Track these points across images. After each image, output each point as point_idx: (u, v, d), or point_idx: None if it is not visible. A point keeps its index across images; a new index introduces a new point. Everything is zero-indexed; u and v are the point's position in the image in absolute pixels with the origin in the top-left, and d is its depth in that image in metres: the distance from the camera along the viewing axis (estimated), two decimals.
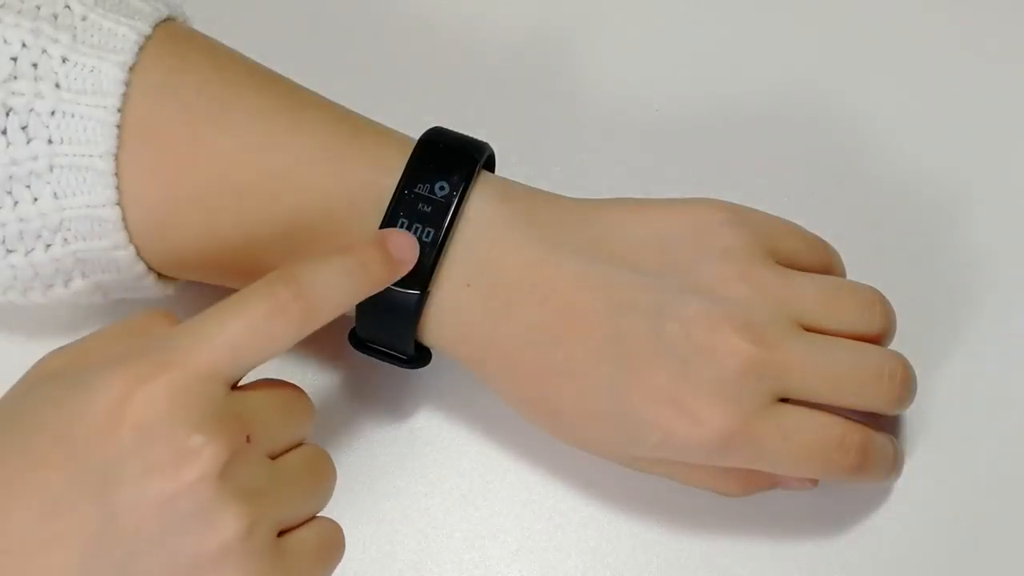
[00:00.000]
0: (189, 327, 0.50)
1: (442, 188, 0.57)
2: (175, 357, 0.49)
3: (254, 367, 0.51)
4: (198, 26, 0.60)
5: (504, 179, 0.59)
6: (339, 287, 0.52)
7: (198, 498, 0.48)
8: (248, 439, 0.50)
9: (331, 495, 0.53)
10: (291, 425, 0.52)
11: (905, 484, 0.61)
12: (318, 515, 0.52)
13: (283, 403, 0.52)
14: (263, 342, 0.50)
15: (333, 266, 0.52)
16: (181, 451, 0.48)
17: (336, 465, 0.53)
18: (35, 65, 0.55)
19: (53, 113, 0.55)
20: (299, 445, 0.53)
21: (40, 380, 0.51)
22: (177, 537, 0.48)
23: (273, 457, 0.51)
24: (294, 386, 0.53)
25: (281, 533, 0.51)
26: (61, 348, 0.52)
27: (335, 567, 0.53)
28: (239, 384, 0.51)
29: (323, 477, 0.53)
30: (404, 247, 0.55)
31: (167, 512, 0.48)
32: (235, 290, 0.54)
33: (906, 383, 0.57)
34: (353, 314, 0.58)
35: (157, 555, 0.48)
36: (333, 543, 0.52)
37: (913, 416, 0.62)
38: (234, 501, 0.48)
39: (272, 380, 0.53)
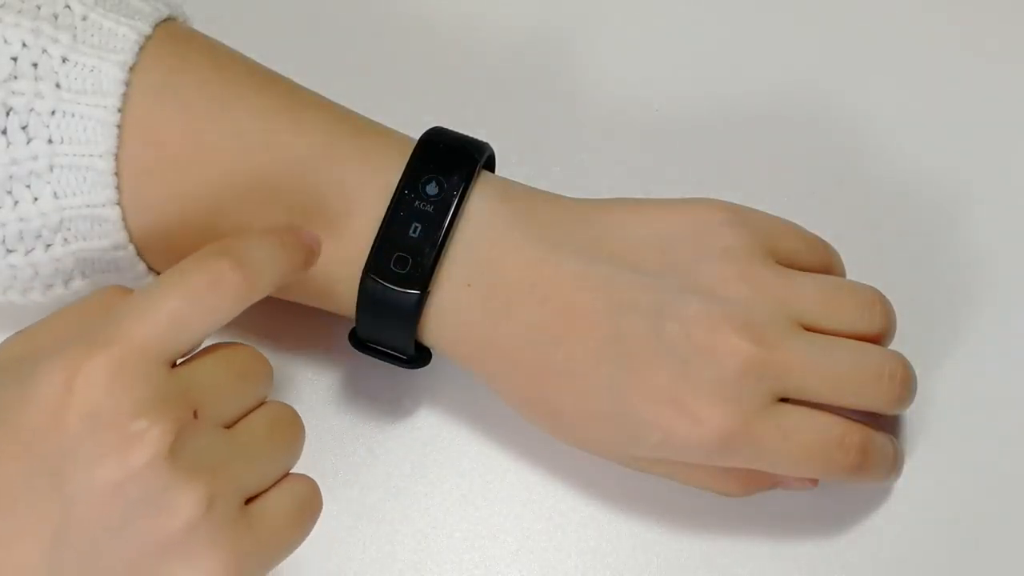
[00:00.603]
0: (125, 305, 0.50)
1: (442, 188, 0.57)
2: (114, 335, 0.48)
3: (197, 341, 0.50)
4: (198, 26, 0.60)
5: (504, 179, 0.59)
6: (274, 259, 0.51)
7: (149, 482, 0.48)
8: (196, 414, 0.49)
9: (300, 451, 0.52)
10: (244, 388, 0.51)
11: (905, 484, 0.61)
12: (291, 474, 0.52)
13: (232, 367, 0.51)
14: (203, 314, 0.50)
15: (266, 239, 0.52)
16: (126, 437, 0.47)
17: (336, 465, 0.53)
18: (35, 65, 0.55)
19: (53, 113, 0.55)
20: (260, 406, 0.52)
21: None
22: (136, 523, 0.48)
23: (229, 425, 0.51)
24: (244, 346, 0.52)
25: (252, 500, 0.50)
26: (17, 333, 0.51)
27: (312, 525, 0.52)
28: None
29: (288, 434, 0.52)
30: (312, 236, 0.54)
31: (121, 499, 0.48)
32: None
33: (906, 383, 0.57)
34: (353, 314, 0.58)
35: (121, 542, 0.48)
36: (307, 502, 0.52)
37: (913, 416, 0.62)
38: (188, 479, 0.48)
39: (220, 344, 0.52)
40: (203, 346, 0.51)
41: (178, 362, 0.51)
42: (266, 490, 0.51)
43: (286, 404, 0.53)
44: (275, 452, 0.51)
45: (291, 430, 0.52)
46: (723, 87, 0.68)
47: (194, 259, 0.50)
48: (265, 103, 0.57)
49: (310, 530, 0.52)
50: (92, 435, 0.48)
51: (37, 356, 0.49)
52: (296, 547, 0.52)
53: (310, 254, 0.54)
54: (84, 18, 0.56)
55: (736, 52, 0.69)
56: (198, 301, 0.50)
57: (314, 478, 0.52)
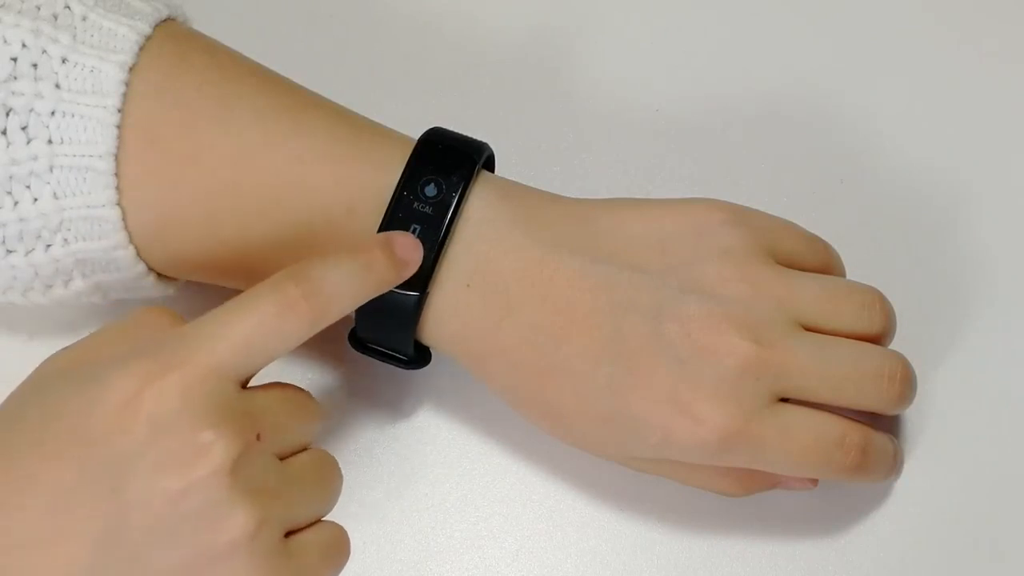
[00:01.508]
0: (200, 325, 0.50)
1: (442, 188, 0.57)
2: (187, 354, 0.49)
3: (264, 365, 0.51)
4: (198, 26, 0.60)
5: (504, 179, 0.59)
6: (347, 287, 0.52)
7: (209, 494, 0.48)
8: (259, 437, 0.50)
9: (337, 499, 0.53)
10: (300, 426, 0.52)
11: (905, 484, 0.61)
12: (324, 519, 0.52)
13: (292, 404, 0.52)
14: (273, 340, 0.50)
15: (341, 266, 0.52)
16: (193, 447, 0.48)
17: None
18: (35, 65, 0.55)
19: (53, 113, 0.55)
20: (306, 448, 0.53)
21: (49, 378, 0.51)
22: (187, 532, 0.48)
23: (282, 458, 0.51)
24: (302, 389, 0.53)
25: (288, 535, 0.51)
26: (66, 348, 0.52)
27: (340, 571, 0.53)
28: (249, 383, 0.51)
29: (330, 481, 0.53)
30: (409, 248, 0.54)
31: (178, 507, 0.48)
32: (235, 290, 0.54)
33: (906, 383, 0.57)
34: (353, 314, 0.58)
35: (166, 550, 0.48)
36: (338, 547, 0.52)
37: (913, 416, 0.62)
38: (244, 498, 0.49)
39: (280, 383, 0.53)
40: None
41: (244, 387, 0.51)
42: (303, 528, 0.51)
43: (329, 452, 0.53)
44: (318, 493, 0.52)
45: (333, 476, 0.53)
46: (723, 87, 0.68)
47: (269, 284, 0.51)
48: (265, 103, 0.57)
49: (338, 574, 0.53)
50: (158, 443, 0.48)
51: (97, 366, 0.50)
52: None
53: (402, 267, 0.54)
54: (84, 18, 0.56)
55: (736, 52, 0.69)
56: (270, 326, 0.50)
57: None
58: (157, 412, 0.48)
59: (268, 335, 0.50)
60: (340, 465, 0.53)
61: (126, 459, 0.48)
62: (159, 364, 0.49)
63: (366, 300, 0.53)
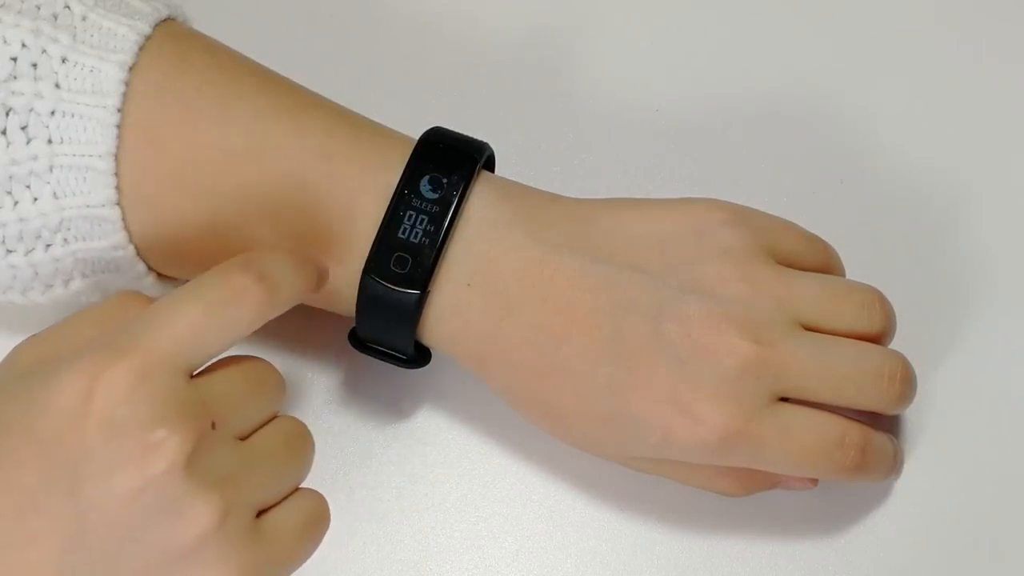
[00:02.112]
0: (147, 314, 0.50)
1: (442, 188, 0.57)
2: (134, 345, 0.48)
3: (216, 353, 0.50)
4: (198, 26, 0.60)
5: (504, 179, 0.59)
6: (294, 274, 0.52)
7: (166, 491, 0.48)
8: (213, 425, 0.49)
9: (310, 466, 0.52)
10: (259, 402, 0.52)
11: (905, 484, 0.61)
12: (300, 488, 0.52)
13: (248, 380, 0.52)
14: (223, 326, 0.50)
15: (284, 256, 0.52)
16: (145, 445, 0.48)
17: (336, 465, 0.53)
18: (35, 65, 0.55)
19: (53, 113, 0.55)
20: (272, 420, 0.52)
21: (9, 377, 0.50)
22: (151, 531, 0.48)
23: (243, 438, 0.51)
24: (259, 360, 0.53)
25: (262, 513, 0.50)
26: (33, 337, 0.51)
27: (321, 539, 0.52)
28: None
29: (299, 449, 0.52)
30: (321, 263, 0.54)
31: (137, 507, 0.48)
32: None
33: (906, 382, 0.57)
34: (353, 314, 0.58)
35: (134, 549, 0.48)
36: (316, 516, 0.52)
37: (913, 416, 0.62)
38: (203, 490, 0.48)
39: (235, 357, 0.52)
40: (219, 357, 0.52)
41: (195, 373, 0.51)
42: (276, 504, 0.51)
43: (297, 419, 0.53)
44: (287, 466, 0.52)
45: (302, 445, 0.52)
46: (723, 87, 0.68)
47: (216, 271, 0.50)
48: (265, 103, 0.57)
49: (318, 544, 0.52)
50: (111, 442, 0.48)
51: (56, 361, 0.49)
52: (305, 560, 0.52)
53: (321, 276, 0.54)
54: (84, 18, 0.56)
55: (736, 52, 0.69)
56: (219, 314, 0.50)
57: (312, 477, 0.52)
58: (107, 411, 0.48)
59: (217, 322, 0.50)
60: (309, 430, 0.53)
61: (80, 461, 0.48)
62: (108, 358, 0.48)
63: (313, 291, 0.53)
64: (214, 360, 0.51)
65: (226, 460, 0.49)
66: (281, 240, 0.57)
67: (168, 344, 0.49)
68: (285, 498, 0.51)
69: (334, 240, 0.57)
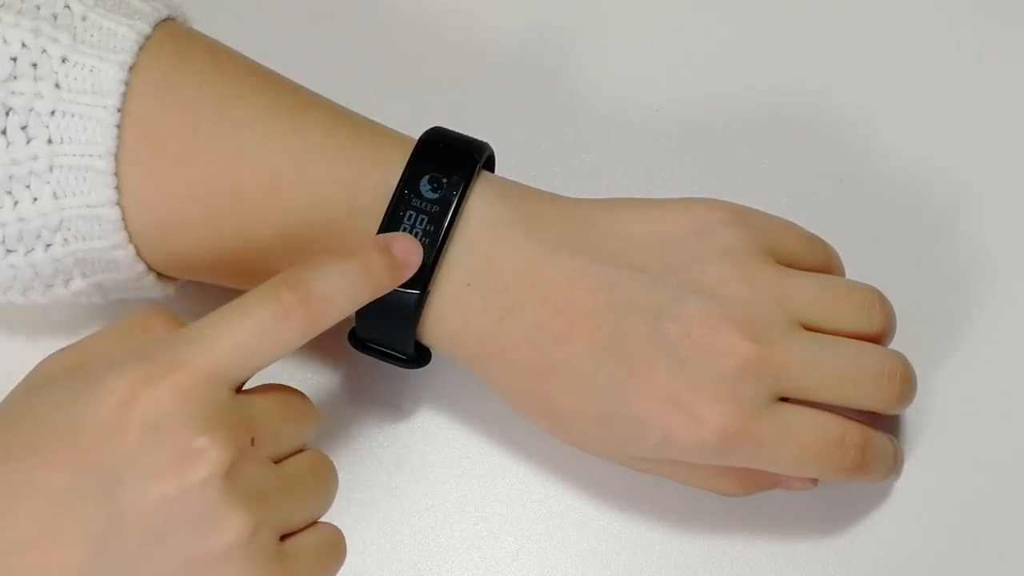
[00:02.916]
0: (195, 329, 0.50)
1: (442, 188, 0.57)
2: (181, 359, 0.49)
3: (259, 369, 0.51)
4: (198, 26, 0.60)
5: (504, 179, 0.59)
6: (344, 291, 0.52)
7: (203, 499, 0.48)
8: (252, 441, 0.50)
9: (333, 501, 0.53)
10: (294, 429, 0.52)
11: (905, 484, 0.61)
12: (320, 521, 0.52)
13: (287, 407, 0.52)
14: (268, 345, 0.50)
15: (338, 270, 0.52)
16: (186, 452, 0.48)
17: (336, 465, 0.53)
18: (35, 65, 0.55)
19: (53, 113, 0.55)
20: (302, 450, 0.53)
21: (44, 381, 0.51)
22: (180, 538, 0.48)
23: (276, 461, 0.51)
24: (297, 391, 0.53)
25: (283, 538, 0.51)
26: (62, 350, 0.52)
27: (337, 572, 0.53)
28: (244, 387, 0.51)
29: (326, 482, 0.53)
30: (408, 251, 0.54)
31: (171, 513, 0.48)
32: (235, 290, 0.54)
33: (906, 382, 0.57)
34: (353, 314, 0.58)
35: (160, 555, 0.48)
36: (334, 549, 0.52)
37: (913, 416, 0.62)
38: (238, 503, 0.48)
39: (276, 384, 0.53)
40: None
41: (240, 390, 0.51)
42: (298, 531, 0.51)
43: (325, 454, 0.53)
44: (313, 496, 0.52)
45: (329, 478, 0.53)
46: (723, 87, 0.68)
47: (266, 288, 0.51)
48: (265, 103, 0.57)
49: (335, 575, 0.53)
50: (152, 449, 0.48)
51: (91, 370, 0.50)
52: None
53: (401, 270, 0.54)
54: (84, 18, 0.56)
55: (736, 52, 0.69)
56: (266, 332, 0.50)
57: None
58: (150, 417, 0.48)
59: (263, 340, 0.50)
60: (336, 467, 0.53)
61: (119, 464, 0.48)
62: (154, 368, 0.49)
63: (363, 304, 0.53)
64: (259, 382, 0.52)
65: (261, 478, 0.50)
66: (281, 240, 0.57)
67: (214, 358, 0.49)
68: (307, 527, 0.52)
69: (334, 239, 0.57)
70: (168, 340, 0.50)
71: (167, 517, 0.48)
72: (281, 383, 0.53)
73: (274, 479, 0.50)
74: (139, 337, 0.51)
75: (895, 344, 0.59)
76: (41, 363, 0.52)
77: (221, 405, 0.49)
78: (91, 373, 0.49)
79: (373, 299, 0.53)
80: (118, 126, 0.56)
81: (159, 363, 0.49)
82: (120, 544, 0.48)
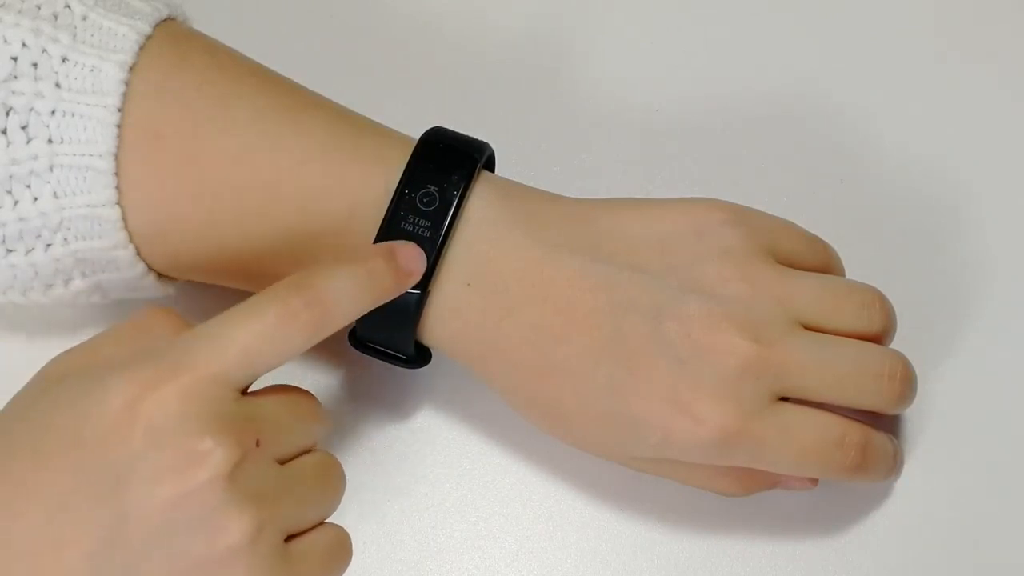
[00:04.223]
0: (201, 332, 0.50)
1: (442, 188, 0.57)
2: (187, 361, 0.49)
3: (265, 372, 0.51)
4: (198, 26, 0.60)
5: (504, 179, 0.59)
6: (349, 296, 0.52)
7: (207, 500, 0.48)
8: (258, 443, 0.50)
9: (340, 501, 0.53)
10: (301, 430, 0.52)
11: (905, 484, 0.61)
12: (326, 521, 0.52)
13: (293, 408, 0.52)
14: (274, 348, 0.50)
15: (344, 275, 0.52)
16: (191, 454, 0.48)
17: None
18: (35, 65, 0.55)
19: (53, 113, 0.55)
20: (309, 451, 0.53)
21: (50, 382, 0.51)
22: (185, 539, 0.48)
23: (283, 462, 0.51)
24: (305, 391, 0.53)
25: (289, 539, 0.51)
26: (68, 351, 0.52)
27: (342, 574, 0.53)
28: (249, 389, 0.51)
29: (332, 483, 0.53)
30: (412, 258, 0.55)
31: (176, 514, 0.48)
32: (235, 290, 0.54)
33: (907, 382, 0.57)
34: None
35: (165, 556, 0.48)
36: (340, 550, 0.52)
37: (913, 416, 0.62)
38: (243, 504, 0.48)
39: (283, 385, 0.53)
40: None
41: (245, 392, 0.51)
42: (304, 532, 0.51)
43: (332, 455, 0.53)
44: (320, 496, 0.52)
45: (336, 479, 0.53)
46: (723, 87, 0.68)
47: (270, 292, 0.51)
48: (265, 103, 0.57)
49: None
50: (156, 449, 0.48)
51: (97, 371, 0.50)
52: None
53: (405, 277, 0.54)
54: (84, 18, 0.56)
55: (736, 52, 0.69)
56: (272, 335, 0.50)
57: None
58: (155, 420, 0.48)
59: (269, 344, 0.50)
60: (343, 467, 0.53)
61: (123, 466, 0.48)
62: (159, 371, 0.49)
63: (368, 310, 0.53)
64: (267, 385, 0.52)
65: (266, 479, 0.50)
66: (281, 239, 0.57)
67: (221, 361, 0.49)
68: (313, 528, 0.52)
69: (334, 239, 0.57)
70: (174, 342, 0.50)
71: (172, 519, 0.48)
72: (288, 384, 0.53)
73: (279, 480, 0.50)
74: (145, 338, 0.51)
75: (895, 344, 0.59)
76: (48, 364, 0.52)
77: (226, 407, 0.49)
78: (97, 375, 0.49)
79: (377, 305, 0.54)
80: (118, 126, 0.56)
81: (165, 365, 0.49)
82: (125, 545, 0.48)
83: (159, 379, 0.49)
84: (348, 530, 0.53)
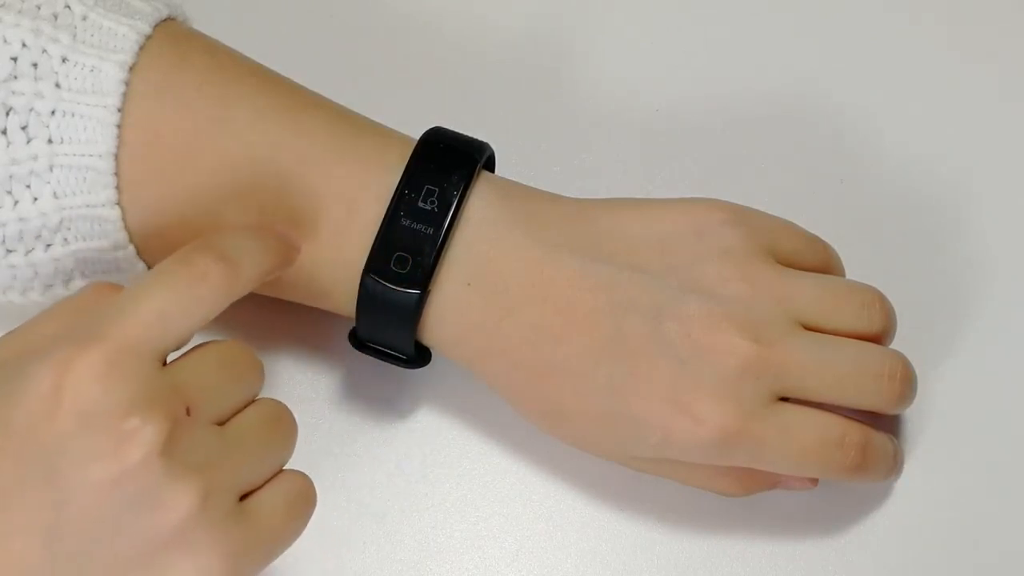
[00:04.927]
0: (113, 302, 0.50)
1: (442, 188, 0.57)
2: (101, 333, 0.48)
3: (185, 337, 0.50)
4: (198, 26, 0.60)
5: (504, 179, 0.59)
6: (256, 254, 0.52)
7: (145, 479, 0.48)
8: (188, 411, 0.49)
9: (293, 447, 0.52)
10: (235, 384, 0.52)
11: (905, 484, 0.61)
12: (285, 470, 0.52)
13: (223, 364, 0.51)
14: (187, 310, 0.50)
15: (244, 235, 0.52)
16: (119, 434, 0.48)
17: (336, 466, 0.53)
18: (35, 65, 0.55)
19: (53, 113, 0.55)
20: (252, 403, 0.52)
21: None
22: (131, 520, 0.48)
23: (222, 422, 0.51)
24: (233, 343, 0.52)
25: (246, 496, 0.50)
26: (7, 334, 0.52)
27: (308, 519, 0.52)
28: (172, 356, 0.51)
29: (280, 431, 0.52)
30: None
31: (115, 496, 0.48)
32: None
33: (907, 382, 0.57)
34: (353, 314, 0.58)
35: (115, 539, 0.48)
36: (301, 497, 0.52)
37: (913, 416, 0.62)
38: (181, 476, 0.48)
39: (210, 342, 0.52)
40: (194, 343, 0.52)
41: (169, 359, 0.51)
42: (261, 486, 0.51)
43: (278, 400, 0.53)
44: (268, 448, 0.52)
45: (284, 426, 0.52)
46: (723, 87, 0.68)
47: (178, 255, 0.51)
48: (265, 103, 0.57)
49: (305, 524, 0.52)
50: (85, 433, 0.48)
51: (29, 354, 0.49)
52: (292, 541, 0.52)
53: (291, 251, 0.54)
54: (84, 18, 0.56)
55: (736, 52, 0.69)
56: (183, 296, 0.50)
57: (313, 477, 0.52)
58: (80, 401, 0.48)
59: (181, 307, 0.50)
60: (291, 411, 0.53)
61: (56, 452, 0.48)
62: (75, 348, 0.48)
63: (275, 272, 0.53)
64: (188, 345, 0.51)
65: (203, 445, 0.49)
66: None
67: (135, 331, 0.49)
68: (270, 480, 0.51)
69: (334, 239, 0.57)
70: (88, 319, 0.49)
71: (112, 500, 0.48)
72: (216, 340, 0.52)
73: (218, 442, 0.50)
74: (82, 316, 0.51)
75: (895, 344, 0.59)
76: None
77: (148, 379, 0.48)
78: (25, 359, 0.49)
79: (284, 267, 0.54)
80: (118, 126, 0.56)
81: (81, 342, 0.48)
82: (72, 532, 0.48)
83: (76, 356, 0.48)
84: (348, 530, 0.53)
